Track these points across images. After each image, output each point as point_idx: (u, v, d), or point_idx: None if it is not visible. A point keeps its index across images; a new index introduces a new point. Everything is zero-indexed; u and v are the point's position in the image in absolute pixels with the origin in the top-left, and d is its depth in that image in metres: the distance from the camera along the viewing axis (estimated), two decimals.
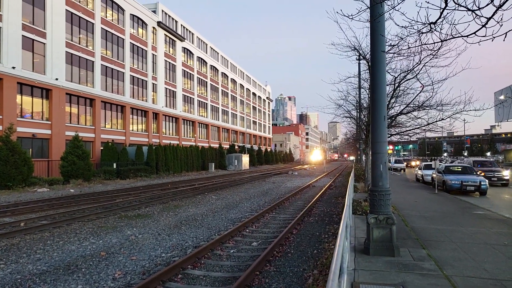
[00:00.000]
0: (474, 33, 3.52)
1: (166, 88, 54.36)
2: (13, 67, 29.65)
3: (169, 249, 9.14)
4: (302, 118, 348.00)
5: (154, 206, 16.43)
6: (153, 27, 51.44)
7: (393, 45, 10.40)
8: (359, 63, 20.54)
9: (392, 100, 15.29)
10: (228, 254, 8.63)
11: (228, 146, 67.73)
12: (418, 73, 13.31)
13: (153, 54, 51.24)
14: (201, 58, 67.42)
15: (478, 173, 22.78)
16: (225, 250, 8.99)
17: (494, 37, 3.42)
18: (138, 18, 48.14)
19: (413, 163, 64.90)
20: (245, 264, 7.82)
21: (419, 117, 15.97)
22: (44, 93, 33.51)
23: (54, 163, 32.12)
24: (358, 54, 16.56)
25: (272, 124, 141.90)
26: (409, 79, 14.16)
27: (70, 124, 35.76)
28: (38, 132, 32.21)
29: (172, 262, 7.95)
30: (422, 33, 4.29)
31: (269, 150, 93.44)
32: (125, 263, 7.97)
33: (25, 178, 24.62)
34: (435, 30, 3.97)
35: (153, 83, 51.18)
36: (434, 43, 4.53)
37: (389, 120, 15.68)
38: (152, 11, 51.89)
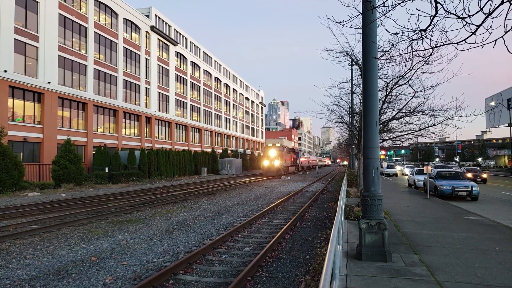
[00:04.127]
0: (464, 40, 3.56)
1: (159, 93, 54.24)
2: (5, 71, 29.41)
3: (160, 254, 9.08)
4: (295, 123, 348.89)
5: (146, 211, 16.34)
6: (147, 32, 51.37)
7: (385, 51, 10.48)
8: (351, 69, 20.69)
9: (384, 106, 15.39)
10: (220, 259, 8.59)
11: (221, 151, 67.66)
12: (410, 79, 13.43)
13: (146, 58, 51.14)
14: (194, 63, 67.40)
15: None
16: (217, 255, 8.96)
17: (483, 44, 3.45)
18: (132, 22, 48.06)
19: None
20: (237, 269, 7.80)
21: (411, 123, 16.09)
22: (36, 96, 33.26)
23: (45, 167, 31.84)
24: (350, 59, 16.70)
25: (265, 129, 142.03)
26: (401, 85, 14.29)
27: (62, 128, 35.50)
28: (29, 136, 31.93)
29: (164, 267, 7.90)
30: (413, 40, 4.33)
31: (262, 154, 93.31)
32: (116, 268, 7.91)
33: (15, 182, 24.37)
34: (425, 37, 4.01)
35: (146, 87, 51.04)
36: (425, 49, 4.58)
37: (381, 125, 15.76)
38: (145, 15, 51.85)
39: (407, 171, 50.42)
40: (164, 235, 11.28)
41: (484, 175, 36.61)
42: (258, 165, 79.67)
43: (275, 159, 49.45)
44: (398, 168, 64.15)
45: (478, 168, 49.60)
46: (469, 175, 35.11)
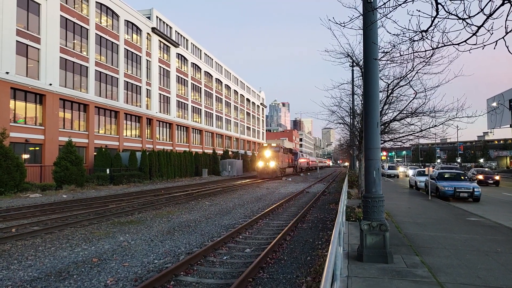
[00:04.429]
0: (465, 41, 3.56)
1: (160, 94, 54.30)
2: (7, 72, 29.47)
3: (161, 256, 9.08)
4: (296, 124, 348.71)
5: (147, 212, 16.34)
6: (148, 33, 51.45)
7: (386, 52, 10.49)
8: (352, 70, 20.67)
9: (385, 107, 15.38)
10: (221, 261, 8.59)
11: (222, 152, 67.64)
12: (411, 80, 13.41)
13: (147, 60, 51.21)
14: (195, 64, 67.47)
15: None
16: (218, 257, 8.95)
17: (484, 45, 3.45)
18: (133, 24, 48.14)
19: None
20: (238, 270, 7.79)
21: (412, 124, 16.08)
22: (37, 98, 33.32)
23: (47, 168, 31.88)
24: (351, 60, 16.68)
25: (266, 130, 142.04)
26: (402, 85, 14.28)
27: (64, 130, 35.55)
28: (31, 138, 31.97)
29: (165, 268, 7.89)
30: (414, 41, 4.33)
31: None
32: (117, 269, 7.91)
33: (17, 184, 24.40)
34: (426, 38, 4.01)
35: (147, 89, 51.10)
36: (426, 50, 4.60)
37: (382, 126, 15.76)
38: (146, 17, 51.93)
39: (411, 172, 50.46)
40: (165, 237, 11.28)
41: (497, 177, 34.15)
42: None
43: (270, 160, 46.04)
44: (401, 169, 63.56)
45: (488, 169, 45.52)
46: (480, 177, 33.39)
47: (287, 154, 54.61)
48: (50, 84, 33.75)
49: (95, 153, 37.63)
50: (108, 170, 34.06)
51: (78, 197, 23.38)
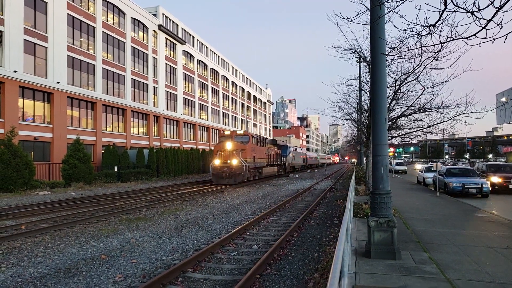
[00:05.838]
0: (474, 35, 3.52)
1: (167, 91, 54.44)
2: (15, 71, 29.71)
3: (169, 252, 9.12)
4: (303, 120, 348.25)
5: (155, 209, 16.41)
6: (154, 31, 51.54)
7: (393, 48, 10.40)
8: (359, 66, 20.54)
9: (393, 103, 15.26)
10: (229, 257, 8.60)
11: None
12: (419, 75, 13.28)
13: (154, 57, 51.33)
14: (202, 61, 67.50)
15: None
16: (225, 253, 8.97)
17: (494, 39, 3.41)
18: (139, 21, 48.25)
19: None
20: (246, 267, 7.80)
21: (420, 120, 15.94)
22: (45, 96, 33.57)
23: (55, 166, 32.13)
24: (358, 56, 16.56)
25: (273, 127, 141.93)
26: (410, 81, 14.12)
27: (72, 127, 35.81)
28: (39, 136, 32.25)
29: (173, 265, 7.92)
30: (422, 35, 4.28)
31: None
32: (126, 266, 7.96)
33: (26, 181, 24.63)
34: (434, 32, 3.97)
35: (154, 86, 51.24)
36: (434, 45, 4.54)
37: (390, 122, 15.65)
38: (153, 14, 52.02)
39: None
40: (173, 233, 11.32)
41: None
42: None
43: (233, 156, 29.15)
44: (417, 166, 60.85)
45: None
46: None
47: (264, 146, 36.84)
48: (58, 82, 33.97)
49: (103, 151, 37.83)
50: (116, 168, 34.24)
51: (87, 194, 23.56)
